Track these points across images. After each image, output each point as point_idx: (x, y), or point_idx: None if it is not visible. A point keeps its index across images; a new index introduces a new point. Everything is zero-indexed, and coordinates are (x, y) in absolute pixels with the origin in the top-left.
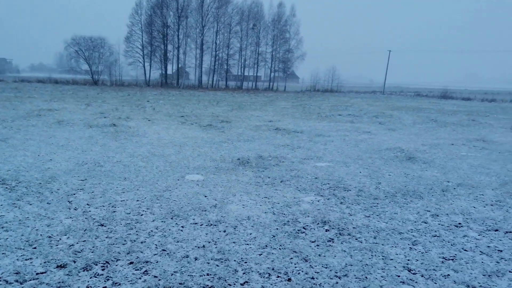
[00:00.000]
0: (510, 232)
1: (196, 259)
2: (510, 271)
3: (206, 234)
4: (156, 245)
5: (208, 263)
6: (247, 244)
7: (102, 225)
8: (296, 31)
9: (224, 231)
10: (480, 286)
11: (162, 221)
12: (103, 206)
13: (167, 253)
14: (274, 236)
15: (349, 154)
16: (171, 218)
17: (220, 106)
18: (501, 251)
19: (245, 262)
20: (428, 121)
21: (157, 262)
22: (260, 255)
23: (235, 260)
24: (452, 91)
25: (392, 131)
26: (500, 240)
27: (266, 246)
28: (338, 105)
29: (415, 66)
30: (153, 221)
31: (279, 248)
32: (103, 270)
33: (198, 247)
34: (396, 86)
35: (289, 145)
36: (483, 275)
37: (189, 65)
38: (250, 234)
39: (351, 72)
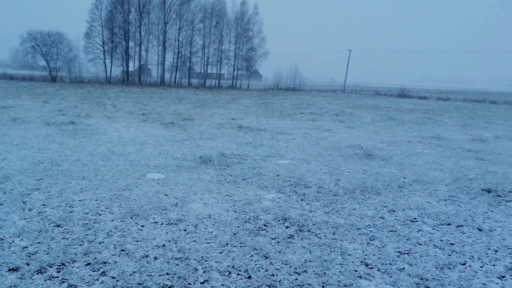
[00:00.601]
0: (462, 226)
1: (155, 259)
2: (460, 263)
3: (167, 233)
4: (114, 245)
5: (168, 262)
6: (208, 243)
7: (58, 226)
8: (259, 30)
9: (185, 230)
10: (433, 278)
11: (122, 221)
12: (60, 206)
13: (126, 253)
14: (235, 234)
15: (310, 151)
16: (131, 218)
17: (182, 104)
18: (452, 244)
19: (206, 261)
20: (386, 119)
21: (115, 262)
22: (220, 253)
23: (195, 259)
24: (410, 90)
25: (352, 129)
26: (452, 233)
27: (227, 244)
28: (300, 104)
29: (374, 66)
30: (112, 221)
31: (240, 246)
32: (58, 272)
33: (158, 247)
34: (356, 85)
35: (252, 143)
36: (436, 268)
37: (152, 62)
38: (211, 232)
39: (313, 71)
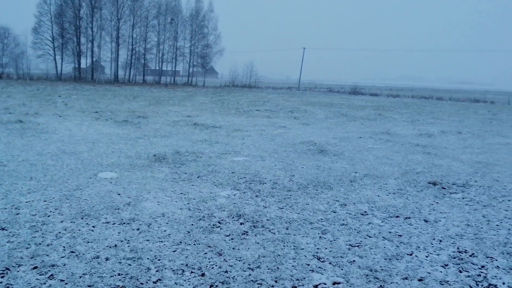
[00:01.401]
0: (409, 218)
1: (107, 260)
2: (408, 254)
3: (119, 233)
4: (64, 247)
5: (120, 262)
6: (161, 242)
7: (3, 229)
8: (214, 27)
9: (138, 229)
10: (382, 269)
11: (72, 222)
12: (5, 208)
13: (76, 255)
14: (189, 232)
15: (265, 148)
16: (82, 218)
17: (136, 101)
18: (400, 235)
19: (159, 260)
20: (339, 115)
21: (64, 265)
22: (174, 251)
23: (148, 258)
24: (362, 87)
25: (306, 126)
26: (400, 225)
27: (181, 242)
28: (256, 101)
29: (328, 64)
30: (62, 222)
31: (194, 244)
32: (2, 277)
33: (110, 247)
34: (311, 82)
35: (207, 140)
36: (385, 259)
37: (105, 59)
38: (165, 231)
39: (269, 69)
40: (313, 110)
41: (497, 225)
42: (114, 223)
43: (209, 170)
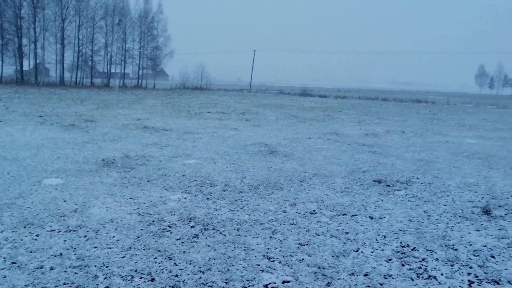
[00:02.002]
0: (356, 215)
1: (52, 269)
2: (354, 250)
3: (65, 241)
4: (4, 258)
5: (66, 271)
6: (110, 248)
7: None
8: (164, 28)
9: (85, 236)
10: (329, 266)
11: (13, 231)
12: None
13: (18, 266)
14: (138, 237)
15: (217, 150)
16: (24, 227)
17: (84, 104)
18: (347, 233)
19: (107, 267)
20: (289, 117)
21: (4, 277)
22: (123, 257)
23: (95, 266)
24: (311, 89)
25: (257, 127)
26: (347, 223)
27: (130, 248)
28: (207, 103)
29: (279, 65)
30: (2, 232)
31: (143, 249)
32: None
33: (55, 256)
34: (262, 84)
35: (158, 143)
36: (332, 256)
37: (49, 61)
38: (113, 237)
39: (220, 71)
40: (264, 112)
41: (437, 219)
42: (59, 231)
43: (159, 174)
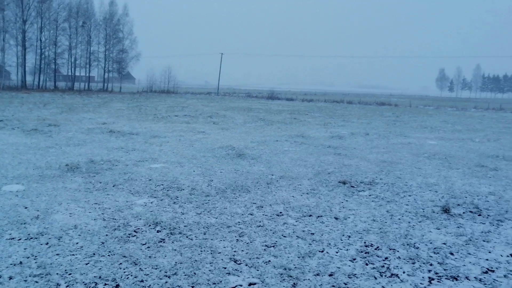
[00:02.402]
0: (321, 216)
1: (10, 278)
2: (319, 251)
3: (25, 249)
4: None
5: (26, 280)
6: (73, 255)
7: None
8: (129, 31)
9: (47, 244)
10: (295, 267)
11: None
12: None
13: None
14: (103, 243)
15: (184, 154)
16: None
17: (47, 108)
18: (313, 234)
19: (69, 274)
20: (257, 120)
21: None
22: (86, 264)
23: (57, 274)
24: (278, 92)
25: (225, 130)
26: (313, 224)
27: (94, 254)
28: (175, 106)
29: (246, 69)
30: None
31: (108, 255)
32: None
33: (14, 265)
34: (230, 87)
35: (124, 147)
36: (298, 257)
37: (10, 63)
38: (77, 243)
39: (187, 74)
40: (232, 115)
41: (399, 219)
42: (19, 239)
43: (125, 178)
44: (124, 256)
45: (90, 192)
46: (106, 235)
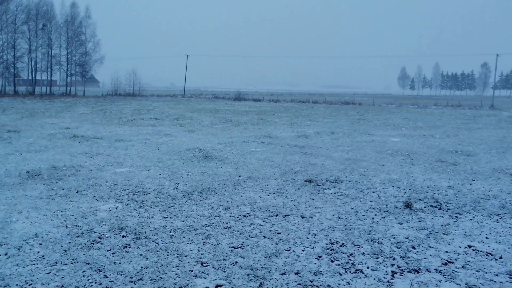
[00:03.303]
0: (288, 215)
1: None
2: (286, 250)
3: None
4: None
5: None
6: (34, 264)
7: None
8: (92, 34)
9: (6, 254)
10: (262, 267)
11: None
12: None
13: None
14: (65, 251)
15: (150, 157)
16: None
17: (6, 114)
18: (279, 233)
19: (30, 284)
20: (224, 121)
21: None
22: (48, 273)
23: (17, 284)
24: (245, 93)
25: (192, 132)
26: (280, 223)
27: (56, 262)
28: (140, 109)
29: (212, 70)
30: None
31: (71, 263)
32: None
33: None
34: (196, 89)
35: (88, 152)
36: (265, 257)
37: None
38: (38, 252)
39: (153, 76)
40: (198, 117)
41: (363, 215)
42: None
43: (89, 184)
44: (88, 263)
45: (52, 199)
46: (69, 242)
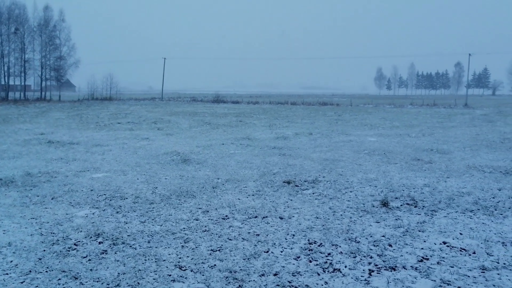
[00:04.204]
0: (266, 217)
1: None
2: (264, 251)
3: None
4: None
5: None
6: (7, 274)
7: None
8: (67, 37)
9: None
10: (241, 269)
11: None
12: None
13: None
14: (40, 259)
15: (127, 162)
16: None
17: None
18: (258, 235)
19: None
20: (202, 124)
21: None
22: (22, 283)
23: None
24: (224, 96)
25: (170, 136)
26: (258, 225)
27: (30, 271)
28: (118, 113)
29: (191, 73)
30: None
31: (46, 271)
32: None
33: None
34: (174, 92)
35: (64, 158)
36: (244, 259)
37: None
38: (11, 261)
39: (130, 79)
40: (177, 120)
41: (341, 215)
42: None
43: (65, 190)
44: (64, 271)
45: (27, 206)
46: (44, 250)
